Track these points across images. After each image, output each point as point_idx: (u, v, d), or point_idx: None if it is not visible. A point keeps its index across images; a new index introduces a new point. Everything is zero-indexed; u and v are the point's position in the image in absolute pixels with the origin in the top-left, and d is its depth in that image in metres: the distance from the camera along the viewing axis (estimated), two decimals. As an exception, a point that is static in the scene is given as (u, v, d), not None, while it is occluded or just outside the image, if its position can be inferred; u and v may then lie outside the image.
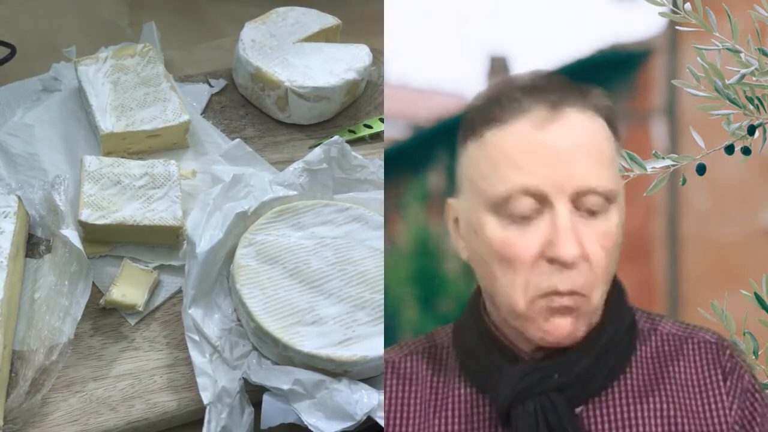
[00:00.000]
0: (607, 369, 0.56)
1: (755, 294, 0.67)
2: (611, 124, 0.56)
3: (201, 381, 0.85)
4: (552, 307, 0.53)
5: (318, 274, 0.92)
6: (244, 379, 0.85)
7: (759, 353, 0.68)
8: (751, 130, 0.68)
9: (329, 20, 1.26)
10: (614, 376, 0.57)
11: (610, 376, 0.56)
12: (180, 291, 0.96)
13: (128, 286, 0.92)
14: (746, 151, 0.69)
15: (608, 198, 0.54)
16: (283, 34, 1.21)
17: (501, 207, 0.53)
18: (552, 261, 0.52)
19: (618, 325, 0.57)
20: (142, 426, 0.85)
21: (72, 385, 0.86)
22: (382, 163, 1.06)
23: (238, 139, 1.08)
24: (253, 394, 0.85)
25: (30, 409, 0.82)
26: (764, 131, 0.68)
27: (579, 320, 0.54)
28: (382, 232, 0.98)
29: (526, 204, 0.53)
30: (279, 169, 1.05)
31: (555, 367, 0.55)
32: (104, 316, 0.92)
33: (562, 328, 0.53)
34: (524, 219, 0.53)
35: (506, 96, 0.55)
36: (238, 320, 0.90)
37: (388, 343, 0.63)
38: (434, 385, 0.58)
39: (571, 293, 0.53)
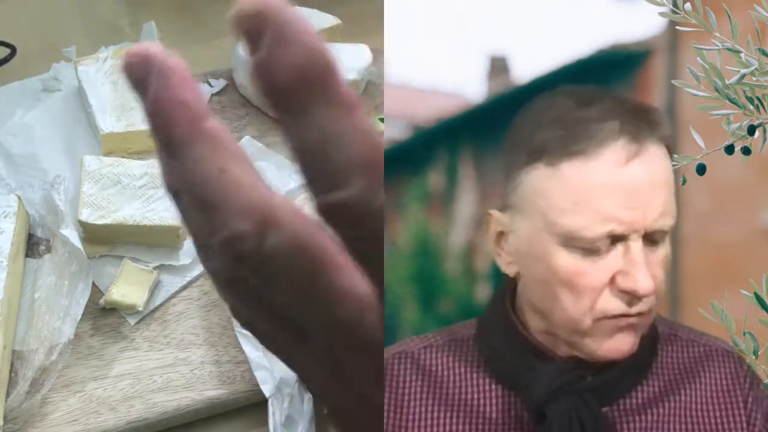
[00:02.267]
0: (635, 373, 0.58)
1: (755, 294, 0.67)
2: (670, 152, 0.56)
3: (260, 375, 0.86)
4: (619, 326, 0.54)
5: None
6: None
7: (759, 353, 0.68)
8: (751, 130, 0.68)
9: (329, 20, 1.26)
10: (639, 380, 0.58)
11: (635, 380, 0.58)
12: (180, 291, 0.96)
13: (128, 286, 0.92)
14: (746, 151, 0.69)
15: (670, 231, 0.55)
16: (283, 34, 1.21)
17: (574, 242, 0.53)
18: (624, 291, 0.53)
19: (648, 334, 0.58)
20: (142, 426, 0.85)
21: (72, 385, 0.86)
22: None
23: (246, 137, 1.08)
24: None
25: (30, 409, 0.82)
26: (764, 131, 0.68)
27: (638, 336, 0.55)
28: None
29: (603, 243, 0.53)
30: (279, 169, 1.05)
31: (589, 369, 0.56)
32: (104, 316, 0.92)
33: (625, 346, 0.55)
34: (596, 251, 0.53)
35: (583, 124, 0.53)
36: None
37: (388, 343, 0.62)
38: (457, 379, 0.58)
39: (639, 314, 0.54)
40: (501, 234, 0.57)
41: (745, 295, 0.68)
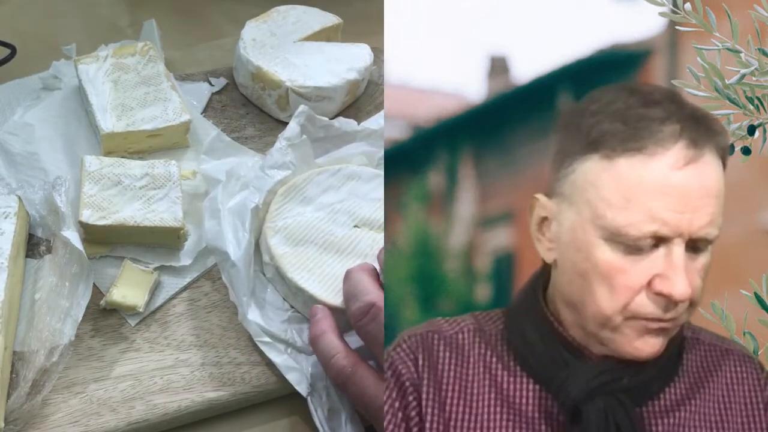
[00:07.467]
0: (665, 376, 0.59)
1: (755, 294, 0.68)
2: (725, 163, 0.56)
3: (292, 377, 0.86)
4: (649, 328, 0.54)
5: (346, 240, 0.96)
6: None
7: (759, 353, 0.68)
8: (751, 130, 0.68)
9: (330, 19, 1.26)
10: (667, 382, 0.59)
11: (665, 382, 0.59)
12: (180, 292, 0.96)
13: (129, 287, 0.92)
14: (746, 151, 0.69)
15: (713, 241, 0.55)
16: (284, 33, 1.21)
17: (618, 237, 0.54)
18: (660, 294, 0.54)
19: (677, 337, 0.59)
20: (143, 427, 0.85)
21: (72, 387, 0.86)
22: (349, 120, 1.07)
23: (215, 132, 1.09)
24: None
25: (30, 411, 0.82)
26: (764, 131, 0.68)
27: (666, 339, 0.56)
28: (376, 183, 1.02)
29: (646, 243, 0.54)
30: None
31: (626, 371, 0.56)
32: (105, 317, 0.92)
33: (652, 347, 0.55)
34: (638, 250, 0.54)
35: (645, 123, 0.54)
36: (292, 308, 0.92)
37: (388, 343, 0.62)
38: (488, 366, 0.59)
39: (672, 319, 0.55)
40: (544, 219, 0.58)
41: (745, 295, 0.68)
